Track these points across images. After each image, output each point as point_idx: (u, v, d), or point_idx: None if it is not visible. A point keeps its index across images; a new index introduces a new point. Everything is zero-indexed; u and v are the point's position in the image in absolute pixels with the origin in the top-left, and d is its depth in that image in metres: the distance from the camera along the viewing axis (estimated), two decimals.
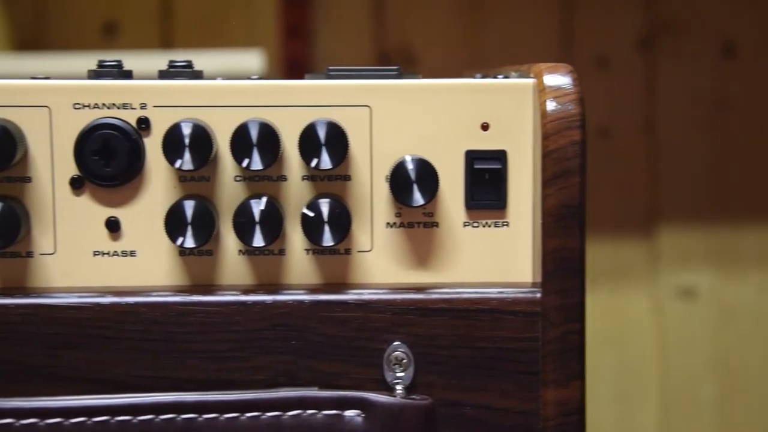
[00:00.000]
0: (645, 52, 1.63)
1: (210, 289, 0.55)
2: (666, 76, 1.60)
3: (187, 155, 0.53)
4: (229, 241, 0.55)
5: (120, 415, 0.51)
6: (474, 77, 0.64)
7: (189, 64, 0.59)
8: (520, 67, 0.59)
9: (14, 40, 1.78)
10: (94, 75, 0.58)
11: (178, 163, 0.53)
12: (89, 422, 0.51)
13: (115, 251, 0.55)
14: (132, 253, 0.55)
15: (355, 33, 1.71)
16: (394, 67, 0.58)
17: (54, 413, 0.51)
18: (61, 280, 0.55)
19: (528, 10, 1.68)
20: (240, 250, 0.56)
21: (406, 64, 1.72)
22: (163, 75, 0.58)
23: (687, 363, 1.60)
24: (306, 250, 0.56)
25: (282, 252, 0.56)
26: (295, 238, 0.56)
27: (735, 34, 1.59)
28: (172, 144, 0.53)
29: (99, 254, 0.55)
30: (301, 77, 0.59)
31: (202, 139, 0.53)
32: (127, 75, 0.58)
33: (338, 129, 0.54)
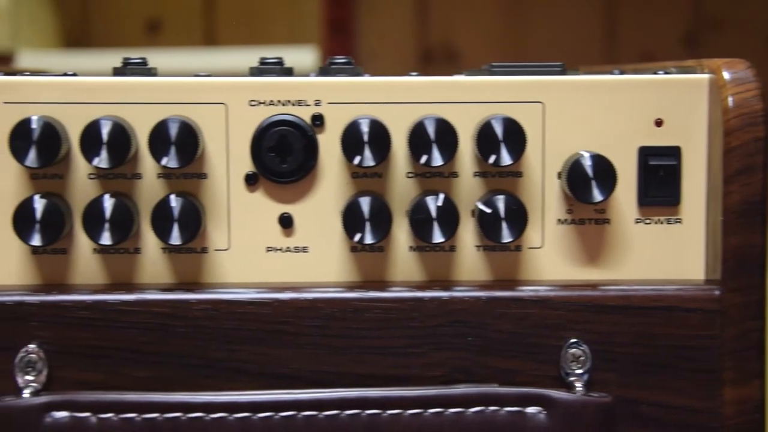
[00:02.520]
0: (690, 49, 1.63)
1: (383, 285, 0.55)
2: None
3: (367, 152, 0.53)
4: (400, 237, 0.56)
5: (306, 411, 0.51)
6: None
7: (349, 62, 0.59)
8: (682, 63, 0.59)
9: (62, 38, 1.78)
10: (257, 72, 0.58)
11: (356, 160, 0.53)
12: (276, 417, 0.51)
13: (288, 247, 0.55)
14: (304, 249, 0.56)
15: (397, 29, 1.71)
16: (558, 63, 0.58)
17: (243, 408, 0.51)
18: (234, 275, 0.55)
19: (571, 6, 1.68)
20: (411, 246, 0.56)
21: (449, 61, 1.72)
22: (323, 72, 0.58)
23: None
24: (477, 246, 0.56)
25: (453, 248, 0.56)
26: (465, 235, 0.56)
27: None
28: (352, 141, 0.53)
29: (272, 250, 0.55)
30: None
31: (380, 135, 0.54)
32: (288, 72, 0.58)
33: (516, 125, 0.54)
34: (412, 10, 1.71)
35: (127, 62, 0.58)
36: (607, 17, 1.67)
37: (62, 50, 1.75)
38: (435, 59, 1.72)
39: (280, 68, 0.58)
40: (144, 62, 0.58)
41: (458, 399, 0.52)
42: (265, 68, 0.58)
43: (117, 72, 0.57)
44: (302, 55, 1.54)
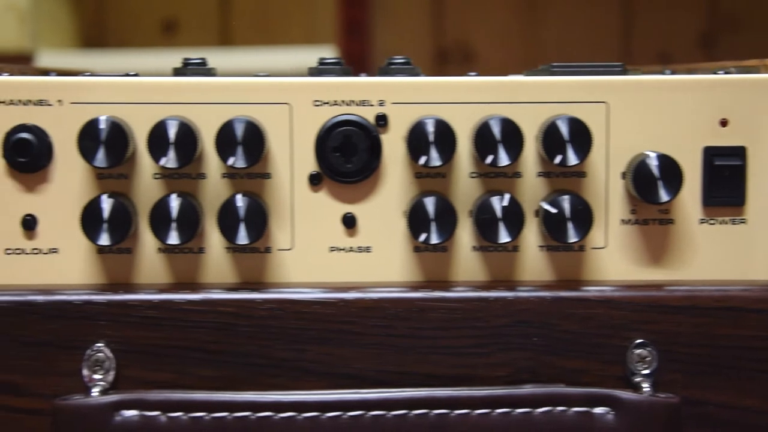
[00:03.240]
0: (707, 49, 1.62)
1: (447, 285, 0.55)
2: None
3: (433, 152, 0.53)
4: (462, 236, 0.55)
5: (374, 410, 0.51)
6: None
7: (407, 62, 0.59)
8: (742, 62, 0.59)
9: (79, 38, 1.79)
10: (316, 72, 0.58)
11: (422, 160, 0.53)
12: (344, 416, 0.51)
13: (351, 247, 0.55)
14: (367, 249, 0.55)
15: (413, 29, 1.71)
16: (618, 63, 0.58)
17: (311, 407, 0.51)
18: (297, 275, 0.55)
19: (587, 6, 1.67)
20: (474, 246, 0.56)
21: (464, 61, 1.72)
22: (383, 72, 0.58)
23: None
24: (540, 246, 0.56)
25: (516, 248, 0.56)
26: (528, 235, 0.56)
27: None
28: (417, 141, 0.53)
29: (335, 250, 0.55)
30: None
31: (446, 135, 0.53)
32: (347, 72, 0.58)
33: (582, 125, 0.53)
34: (427, 11, 1.71)
35: (187, 62, 0.58)
36: (622, 17, 1.67)
37: (79, 50, 1.75)
38: (450, 59, 1.72)
39: (339, 68, 0.58)
40: (204, 62, 0.58)
41: (526, 399, 0.52)
42: (325, 68, 0.58)
43: (177, 72, 0.57)
44: (319, 56, 1.54)
